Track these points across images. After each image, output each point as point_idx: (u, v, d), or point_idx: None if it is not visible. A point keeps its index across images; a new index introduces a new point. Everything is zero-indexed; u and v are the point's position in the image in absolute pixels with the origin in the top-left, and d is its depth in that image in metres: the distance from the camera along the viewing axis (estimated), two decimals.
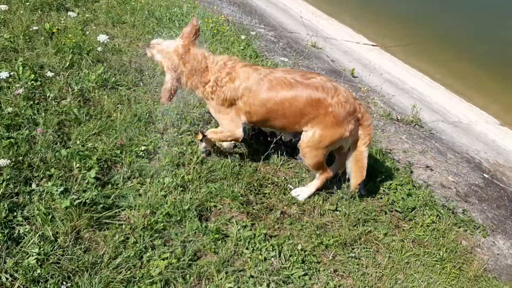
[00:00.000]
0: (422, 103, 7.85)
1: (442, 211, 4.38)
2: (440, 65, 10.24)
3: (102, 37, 4.73)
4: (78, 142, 3.58)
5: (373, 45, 10.53)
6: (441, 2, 14.70)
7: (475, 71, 10.03)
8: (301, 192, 3.93)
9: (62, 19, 5.54)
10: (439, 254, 3.76)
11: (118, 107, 4.18)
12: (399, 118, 6.71)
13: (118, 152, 3.61)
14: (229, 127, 3.69)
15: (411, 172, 5.25)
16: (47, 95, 4.02)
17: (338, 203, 3.95)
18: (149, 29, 6.15)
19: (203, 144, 3.93)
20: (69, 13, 5.44)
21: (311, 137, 3.61)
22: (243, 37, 6.46)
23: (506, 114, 8.27)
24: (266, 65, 6.34)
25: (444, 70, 9.89)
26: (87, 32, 5.44)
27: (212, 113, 3.84)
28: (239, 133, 3.70)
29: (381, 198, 4.24)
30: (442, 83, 9.18)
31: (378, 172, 4.54)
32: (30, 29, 5.03)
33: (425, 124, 6.84)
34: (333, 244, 3.45)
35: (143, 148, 3.75)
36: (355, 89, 7.30)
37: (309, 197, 3.90)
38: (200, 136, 3.83)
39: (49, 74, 4.20)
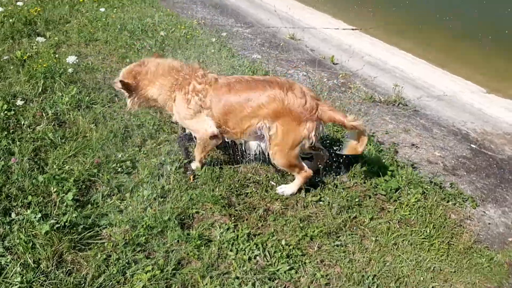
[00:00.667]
0: (405, 81, 7.84)
1: (428, 187, 4.39)
2: (421, 41, 10.23)
3: (71, 59, 4.76)
4: (54, 166, 3.61)
5: (352, 29, 10.53)
6: None
7: (457, 43, 10.02)
8: (285, 189, 3.94)
9: (34, 44, 5.56)
10: (427, 232, 3.77)
11: (93, 126, 4.20)
12: (382, 99, 6.71)
13: (96, 171, 3.64)
14: (203, 125, 3.68)
15: (396, 152, 5.27)
16: (22, 123, 4.05)
17: (321, 193, 3.97)
18: (122, 43, 6.17)
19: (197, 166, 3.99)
20: (38, 38, 5.46)
21: (274, 131, 3.59)
22: (213, 39, 6.46)
23: (490, 82, 8.25)
24: (243, 63, 6.36)
25: (425, 46, 9.88)
26: (59, 55, 5.47)
27: (181, 120, 3.81)
28: (213, 127, 3.66)
29: (364, 183, 4.25)
30: (424, 58, 9.18)
31: (360, 157, 4.56)
32: (1, 59, 5.06)
33: (409, 102, 6.83)
34: (317, 235, 3.47)
35: (121, 163, 3.78)
36: (336, 76, 7.32)
37: (293, 194, 3.93)
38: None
39: (22, 102, 4.22)
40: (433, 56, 9.33)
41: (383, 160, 4.62)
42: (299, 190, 3.93)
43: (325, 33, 9.84)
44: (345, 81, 7.21)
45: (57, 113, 4.32)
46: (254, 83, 3.60)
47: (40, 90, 4.56)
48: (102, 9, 6.95)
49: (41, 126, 4.04)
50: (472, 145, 5.87)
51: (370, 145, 4.90)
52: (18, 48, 5.42)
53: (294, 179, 3.93)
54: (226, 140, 3.89)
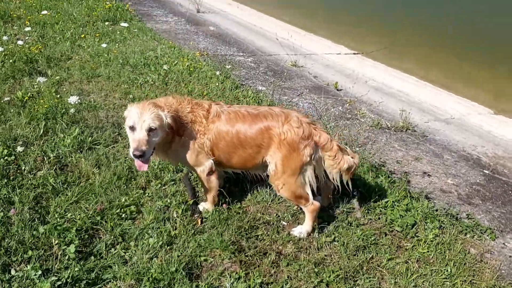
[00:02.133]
0: (411, 105, 7.74)
1: (445, 220, 4.22)
2: (423, 61, 10.20)
3: (73, 99, 4.67)
4: (56, 215, 3.47)
5: (354, 53, 10.50)
6: (412, 0, 14.75)
7: (459, 62, 9.96)
8: (301, 230, 3.80)
9: (35, 84, 5.48)
10: (447, 270, 3.58)
11: (96, 169, 4.07)
12: (389, 125, 6.58)
13: (99, 218, 3.49)
14: (203, 161, 3.58)
15: (408, 182, 5.10)
16: (23, 168, 3.93)
17: (335, 232, 3.80)
18: (124, 78, 6.10)
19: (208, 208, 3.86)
20: (39, 78, 5.38)
21: (274, 168, 3.57)
22: (218, 73, 6.38)
23: (497, 102, 8.14)
24: (247, 94, 6.26)
25: (427, 67, 9.84)
26: (61, 94, 5.39)
27: (184, 160, 3.65)
28: (211, 163, 3.61)
29: (378, 218, 4.09)
30: (428, 80, 9.10)
31: (372, 191, 4.40)
32: (2, 101, 4.97)
33: (417, 127, 6.71)
34: (334, 280, 3.29)
35: (125, 208, 3.63)
36: (341, 103, 7.21)
37: (309, 234, 3.78)
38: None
39: (22, 147, 4.10)
40: (436, 78, 9.27)
41: (397, 193, 4.46)
42: (313, 229, 3.77)
43: (327, 58, 9.80)
44: (350, 107, 7.10)
45: (59, 156, 4.20)
46: (251, 119, 3.52)
47: (41, 132, 4.45)
48: (104, 45, 6.90)
49: (42, 171, 3.92)
50: (485, 171, 5.71)
51: (382, 176, 4.75)
52: (19, 88, 5.34)
53: (304, 218, 3.78)
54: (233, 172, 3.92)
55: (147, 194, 3.91)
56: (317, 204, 3.72)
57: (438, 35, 11.54)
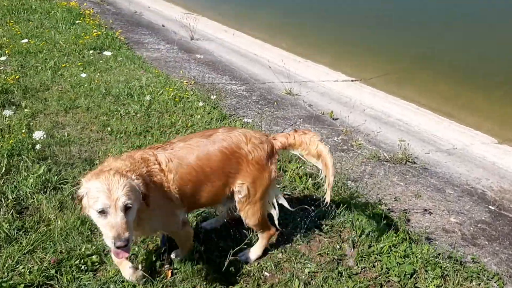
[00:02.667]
0: (411, 134, 7.37)
1: (448, 266, 3.78)
2: (424, 88, 9.87)
3: (38, 134, 4.30)
4: (5, 268, 3.05)
5: (352, 80, 10.19)
6: (412, 26, 14.57)
7: (460, 89, 9.63)
8: (249, 255, 3.57)
9: (6, 117, 5.13)
10: None
11: (59, 212, 3.67)
12: (387, 157, 6.19)
13: (53, 271, 3.07)
14: (177, 218, 3.09)
15: (407, 221, 4.69)
16: None
17: (324, 284, 3.36)
18: (104, 110, 5.75)
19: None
20: (5, 111, 5.03)
21: (245, 193, 3.22)
22: (200, 103, 6.04)
23: (501, 131, 7.76)
24: (235, 125, 5.90)
25: (428, 94, 9.51)
26: (34, 126, 5.04)
27: (159, 227, 3.20)
28: (184, 215, 3.18)
29: (373, 266, 3.65)
30: (428, 108, 8.75)
31: (367, 234, 3.98)
32: None
33: (417, 159, 6.31)
34: None
35: (85, 259, 3.21)
36: (336, 133, 6.84)
37: (258, 259, 3.54)
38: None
39: None
40: (438, 105, 8.92)
41: (393, 236, 4.02)
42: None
43: (324, 85, 9.49)
44: (346, 138, 6.72)
45: (18, 197, 3.81)
46: (209, 146, 3.10)
47: (3, 170, 4.07)
48: (83, 74, 6.58)
49: None
50: (491, 207, 5.29)
51: (379, 216, 4.33)
52: None
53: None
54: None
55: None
56: (274, 230, 3.56)
57: (439, 61, 11.26)
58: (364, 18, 15.35)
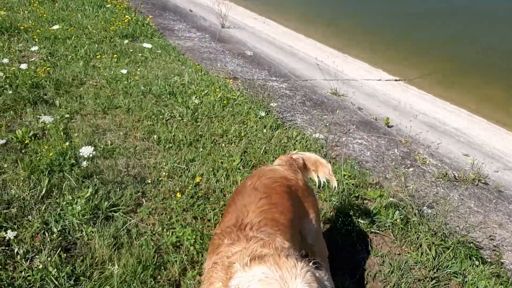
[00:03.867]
0: (472, 147, 6.70)
1: None
2: (469, 92, 9.14)
3: (86, 150, 3.61)
4: None
5: (395, 80, 9.46)
6: (453, 23, 13.74)
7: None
8: None
9: (40, 118, 4.45)
10: None
11: (114, 251, 3.03)
12: (456, 176, 5.52)
13: None
14: None
15: (501, 264, 4.04)
16: (15, 251, 2.89)
17: None
18: (147, 112, 5.06)
19: None
20: (44, 117, 4.33)
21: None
22: (262, 113, 5.35)
23: None
24: (292, 136, 5.21)
25: (476, 98, 8.81)
26: (71, 131, 4.38)
27: None
28: None
29: None
30: (481, 115, 8.06)
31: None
32: None
33: (488, 179, 5.65)
34: None
35: None
36: (395, 144, 6.16)
37: None
38: None
39: (13, 233, 2.97)
40: (490, 112, 8.22)
41: (488, 281, 3.38)
42: None
43: (368, 85, 8.77)
44: (407, 150, 6.05)
45: (64, 229, 3.16)
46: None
47: (43, 192, 3.41)
48: (124, 71, 5.86)
49: (42, 255, 2.87)
50: None
51: (473, 256, 3.68)
52: (20, 125, 4.32)
53: None
54: None
55: None
56: None
57: (483, 64, 10.49)
58: (406, 9, 14.51)
